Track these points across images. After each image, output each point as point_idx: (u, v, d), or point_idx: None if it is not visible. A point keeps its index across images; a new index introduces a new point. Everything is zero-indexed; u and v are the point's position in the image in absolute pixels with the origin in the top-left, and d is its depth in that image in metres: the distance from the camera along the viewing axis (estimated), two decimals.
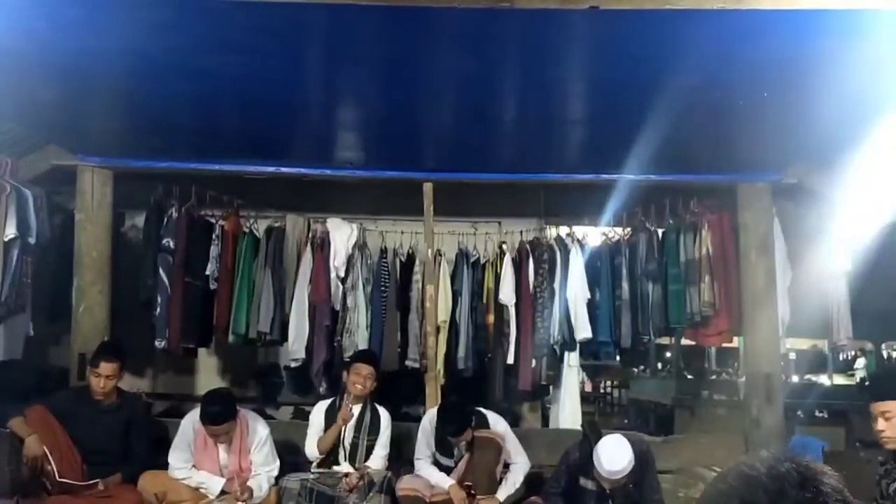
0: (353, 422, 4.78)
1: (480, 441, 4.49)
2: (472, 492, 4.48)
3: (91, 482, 4.34)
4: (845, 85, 3.69)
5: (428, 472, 4.66)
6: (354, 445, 4.77)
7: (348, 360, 5.58)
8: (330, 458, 4.76)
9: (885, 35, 3.11)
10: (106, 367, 4.47)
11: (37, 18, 3.20)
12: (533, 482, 4.94)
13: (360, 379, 4.75)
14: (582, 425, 4.84)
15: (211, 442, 4.48)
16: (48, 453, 4.23)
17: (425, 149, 5.33)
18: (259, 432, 4.57)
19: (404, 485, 4.54)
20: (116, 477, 4.43)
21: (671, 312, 5.60)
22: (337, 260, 5.74)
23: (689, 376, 10.67)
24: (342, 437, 4.77)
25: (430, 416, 4.86)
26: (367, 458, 4.77)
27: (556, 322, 5.69)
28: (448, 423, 4.54)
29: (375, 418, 4.82)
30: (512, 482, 4.63)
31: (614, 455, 3.90)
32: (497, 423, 4.77)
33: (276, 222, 5.93)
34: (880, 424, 3.09)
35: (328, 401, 4.92)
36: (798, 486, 1.03)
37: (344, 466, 4.74)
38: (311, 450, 4.74)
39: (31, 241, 5.07)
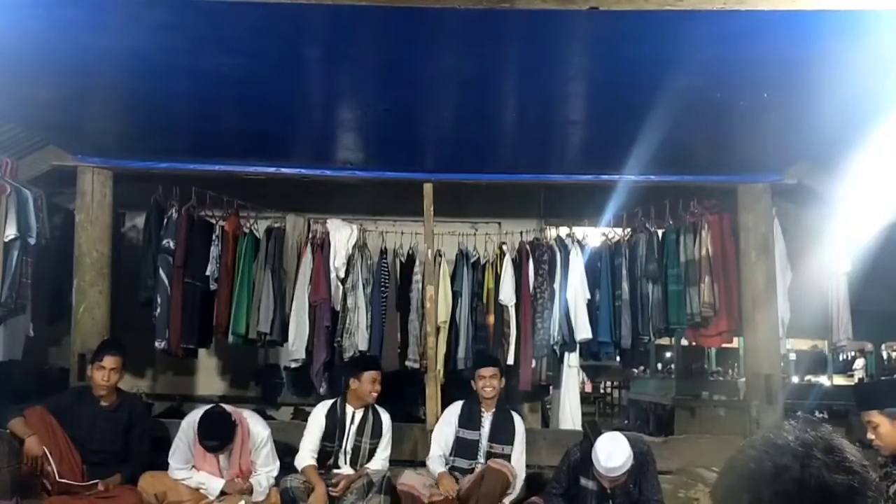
0: (355, 425, 4.78)
1: (492, 471, 4.47)
2: None
3: (91, 482, 4.34)
4: (845, 85, 3.69)
5: (434, 466, 4.69)
6: (356, 448, 4.76)
7: (348, 361, 5.58)
8: (331, 460, 4.75)
9: (885, 35, 3.12)
10: (110, 360, 4.50)
11: (36, 18, 3.20)
12: (533, 482, 4.95)
13: (375, 386, 4.76)
14: (583, 425, 4.86)
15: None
16: (48, 454, 4.23)
17: (425, 149, 5.32)
18: (260, 433, 4.57)
19: (405, 480, 4.55)
20: (116, 478, 4.43)
21: (671, 313, 5.60)
22: (337, 260, 5.73)
23: (689, 377, 10.67)
24: (345, 441, 4.77)
25: (451, 408, 4.95)
26: (368, 460, 4.77)
27: (556, 322, 5.69)
28: (480, 357, 5.22)
29: (377, 421, 4.82)
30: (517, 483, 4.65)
31: (613, 452, 3.92)
32: (519, 424, 4.85)
33: (276, 223, 5.93)
34: (870, 433, 3.14)
35: (328, 402, 4.91)
36: (825, 451, 1.10)
37: (345, 469, 4.74)
38: (302, 458, 4.69)
39: (32, 241, 5.06)
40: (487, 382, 4.76)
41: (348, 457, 4.76)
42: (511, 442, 4.74)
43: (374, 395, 4.76)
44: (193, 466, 4.52)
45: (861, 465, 1.10)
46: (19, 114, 4.72)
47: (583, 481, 4.22)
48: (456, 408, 4.90)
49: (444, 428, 4.85)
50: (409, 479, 4.55)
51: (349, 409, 4.81)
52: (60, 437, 4.36)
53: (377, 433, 4.80)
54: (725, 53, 3.42)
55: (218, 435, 4.37)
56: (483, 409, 4.80)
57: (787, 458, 1.10)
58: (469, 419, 4.79)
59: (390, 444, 4.85)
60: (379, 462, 4.77)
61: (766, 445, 1.14)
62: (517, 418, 4.89)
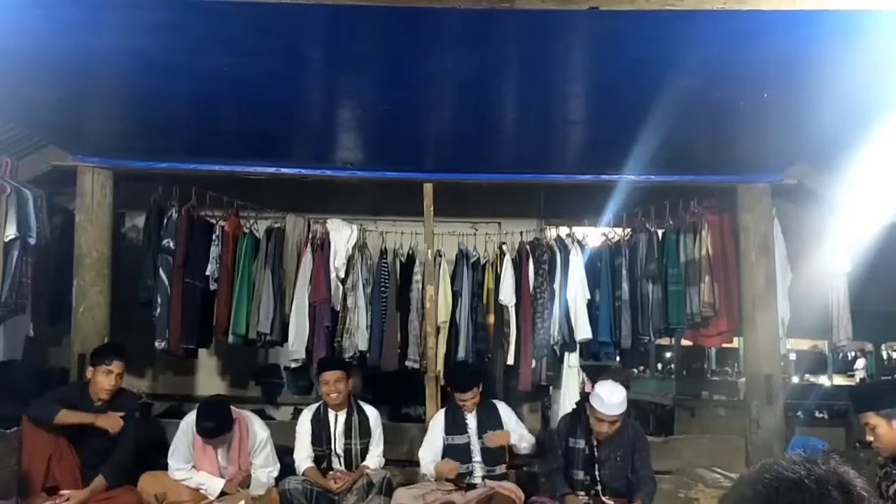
0: (341, 428, 4.78)
1: (501, 497, 4.50)
2: None
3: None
4: (845, 85, 3.69)
5: (427, 464, 4.74)
6: (348, 451, 4.76)
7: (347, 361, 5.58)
8: (324, 464, 4.75)
9: (886, 35, 3.12)
10: (118, 365, 4.47)
11: (36, 18, 3.20)
12: (533, 482, 4.96)
13: (329, 388, 4.76)
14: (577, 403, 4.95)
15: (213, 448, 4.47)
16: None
17: (425, 149, 5.32)
18: (259, 434, 4.56)
19: (398, 500, 4.50)
20: (99, 483, 4.35)
21: (671, 313, 5.60)
22: (337, 260, 5.73)
23: (689, 377, 10.66)
24: (333, 445, 4.76)
25: (435, 419, 4.98)
26: (362, 459, 4.77)
27: (556, 323, 5.69)
28: (457, 378, 4.98)
29: (363, 419, 4.82)
30: (523, 444, 4.80)
31: (613, 391, 4.25)
32: (503, 408, 4.93)
33: (276, 223, 5.93)
34: (869, 435, 3.14)
35: (313, 407, 4.92)
36: (840, 489, 1.05)
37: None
38: (300, 464, 4.73)
39: (32, 241, 5.06)
40: (469, 402, 4.81)
41: (341, 459, 4.76)
42: (501, 428, 4.79)
43: (333, 395, 4.74)
44: (193, 467, 4.52)
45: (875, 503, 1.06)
46: (19, 114, 4.72)
47: (571, 441, 4.44)
48: (440, 417, 4.93)
49: (432, 438, 4.87)
50: (399, 498, 4.51)
51: (331, 413, 4.82)
52: (61, 438, 4.34)
53: (365, 432, 4.80)
54: (726, 53, 3.42)
55: (214, 417, 4.35)
56: (465, 412, 4.83)
57: (802, 498, 1.05)
58: (454, 425, 4.82)
59: (382, 440, 4.86)
60: (374, 459, 4.77)
61: (777, 482, 1.07)
62: (499, 404, 4.95)
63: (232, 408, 4.56)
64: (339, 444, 4.75)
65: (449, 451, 4.77)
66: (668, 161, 5.07)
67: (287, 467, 4.73)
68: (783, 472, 1.08)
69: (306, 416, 4.87)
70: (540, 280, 5.75)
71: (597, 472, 4.35)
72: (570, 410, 4.66)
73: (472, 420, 4.80)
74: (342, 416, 4.79)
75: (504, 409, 4.92)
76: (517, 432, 4.83)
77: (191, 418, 4.50)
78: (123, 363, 4.53)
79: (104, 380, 4.44)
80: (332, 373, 4.79)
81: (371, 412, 4.86)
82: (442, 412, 4.96)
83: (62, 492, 4.23)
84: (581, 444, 4.39)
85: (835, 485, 1.05)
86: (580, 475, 4.39)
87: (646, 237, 5.72)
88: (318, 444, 4.76)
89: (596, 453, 4.36)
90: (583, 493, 4.36)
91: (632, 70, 3.62)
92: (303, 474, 4.67)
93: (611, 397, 4.23)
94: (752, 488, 1.09)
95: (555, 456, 4.49)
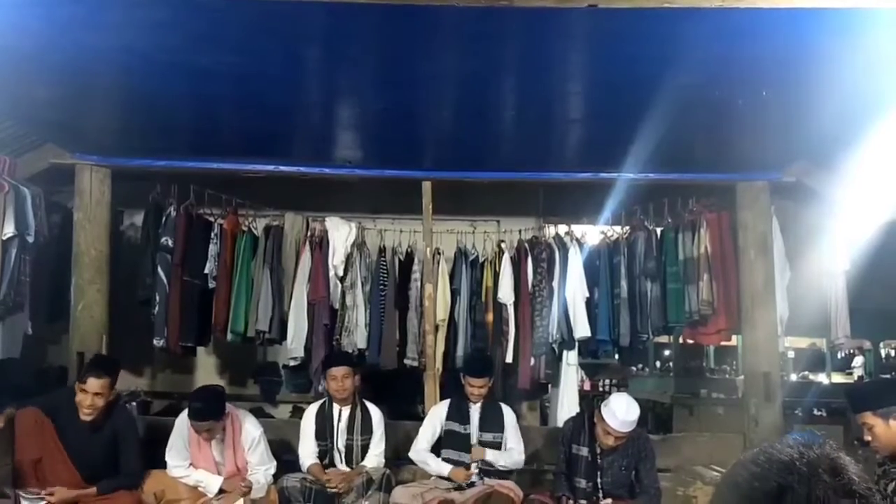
0: (344, 423, 4.78)
1: (499, 495, 4.49)
2: None
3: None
4: (844, 84, 3.69)
5: (426, 459, 4.75)
6: (349, 447, 4.76)
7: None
8: (326, 460, 4.75)
9: (885, 34, 3.12)
10: (93, 384, 4.08)
11: (35, 17, 3.19)
12: (535, 480, 4.97)
13: (336, 383, 4.75)
14: (580, 402, 4.94)
15: (204, 440, 4.46)
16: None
17: (424, 148, 5.32)
18: (251, 433, 4.54)
19: (396, 499, 4.49)
20: (91, 490, 4.21)
21: (670, 311, 5.60)
22: (335, 258, 5.73)
23: (688, 375, 10.66)
24: (335, 439, 4.77)
25: (439, 405, 4.98)
26: (362, 457, 4.77)
27: (555, 321, 5.69)
28: (472, 363, 5.06)
29: (366, 417, 4.82)
30: (503, 455, 4.71)
31: (630, 405, 4.17)
32: (508, 412, 4.90)
33: (274, 221, 5.93)
34: (867, 435, 3.15)
35: (317, 404, 4.92)
36: (831, 473, 1.06)
37: (341, 468, 4.74)
38: (305, 460, 4.74)
39: (30, 239, 5.06)
40: (477, 391, 4.79)
41: (342, 455, 4.76)
42: (501, 430, 4.80)
43: (342, 392, 4.74)
44: (191, 464, 4.51)
45: (866, 488, 1.07)
46: (17, 112, 4.71)
47: (575, 448, 4.41)
48: (443, 405, 4.94)
49: (429, 425, 4.88)
50: (397, 498, 4.49)
51: (336, 408, 4.81)
52: (54, 442, 4.20)
53: (367, 429, 4.79)
54: (724, 51, 3.42)
55: (204, 399, 4.31)
56: (471, 404, 4.84)
57: (792, 479, 1.06)
58: (458, 414, 4.82)
59: (384, 440, 4.84)
60: (373, 458, 4.76)
61: (769, 463, 1.09)
62: (505, 408, 4.93)
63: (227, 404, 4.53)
64: (341, 440, 4.76)
65: (448, 438, 4.77)
66: (667, 159, 5.07)
67: (285, 464, 4.73)
68: (776, 455, 1.10)
69: (311, 410, 4.88)
70: (539, 278, 5.75)
71: (598, 480, 4.32)
72: (574, 414, 4.60)
73: (475, 413, 4.81)
74: (346, 411, 4.80)
75: (509, 415, 4.89)
76: (512, 443, 4.80)
77: (185, 415, 4.48)
78: (101, 381, 4.10)
79: (81, 398, 4.11)
80: (339, 368, 4.79)
81: (374, 411, 4.87)
82: (446, 401, 4.95)
83: (50, 489, 4.11)
84: (584, 451, 4.35)
85: (826, 468, 1.07)
86: (582, 483, 4.36)
87: (644, 235, 5.72)
88: (321, 437, 4.77)
89: (599, 461, 4.31)
90: (584, 500, 4.33)
91: (630, 68, 3.62)
92: (307, 471, 4.67)
93: (626, 415, 4.12)
94: (746, 469, 1.12)
95: (558, 461, 4.50)
